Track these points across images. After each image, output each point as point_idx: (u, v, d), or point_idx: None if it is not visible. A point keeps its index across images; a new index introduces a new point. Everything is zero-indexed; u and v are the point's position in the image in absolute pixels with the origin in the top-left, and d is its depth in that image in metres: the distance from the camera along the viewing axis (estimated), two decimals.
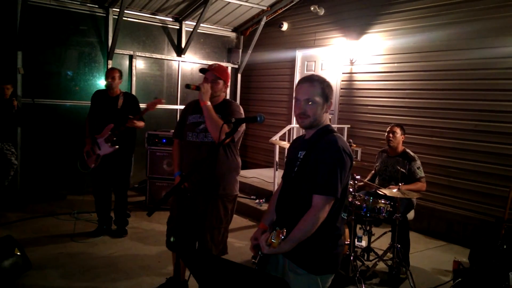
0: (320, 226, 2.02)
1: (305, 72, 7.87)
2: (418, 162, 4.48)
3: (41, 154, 6.73)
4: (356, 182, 4.14)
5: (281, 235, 1.87)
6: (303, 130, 2.28)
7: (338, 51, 7.21)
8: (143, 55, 7.71)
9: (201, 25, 7.92)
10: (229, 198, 3.31)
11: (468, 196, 5.45)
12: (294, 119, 7.20)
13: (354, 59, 6.94)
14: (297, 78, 7.99)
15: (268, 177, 7.17)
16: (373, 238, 4.44)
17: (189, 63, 8.39)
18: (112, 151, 4.71)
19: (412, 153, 4.55)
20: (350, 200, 4.11)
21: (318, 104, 2.14)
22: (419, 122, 5.97)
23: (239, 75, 9.06)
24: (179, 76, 8.25)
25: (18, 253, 3.79)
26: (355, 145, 4.87)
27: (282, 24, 8.17)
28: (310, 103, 2.13)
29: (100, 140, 4.73)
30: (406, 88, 6.18)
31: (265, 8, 8.10)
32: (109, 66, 7.10)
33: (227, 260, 1.62)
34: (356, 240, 4.46)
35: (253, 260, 2.05)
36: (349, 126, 6.95)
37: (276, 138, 6.80)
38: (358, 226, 4.45)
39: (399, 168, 4.28)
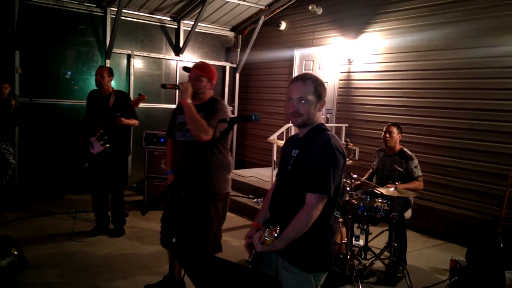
0: (313, 224, 2.02)
1: (303, 71, 7.87)
2: (416, 161, 4.48)
3: (39, 153, 6.73)
4: (353, 181, 4.14)
5: (274, 233, 1.87)
6: (297, 129, 2.29)
7: (336, 51, 7.22)
8: (141, 55, 7.71)
9: (199, 24, 7.92)
10: (219, 197, 3.30)
11: (466, 195, 5.46)
12: None
13: (352, 59, 6.94)
14: None
15: (266, 176, 7.18)
16: (370, 237, 4.44)
17: (187, 63, 8.38)
18: (103, 150, 4.69)
19: (409, 152, 4.55)
20: (347, 199, 4.11)
21: (311, 103, 2.15)
22: (416, 121, 5.97)
23: (237, 75, 9.06)
24: (177, 75, 8.25)
25: (15, 253, 3.79)
26: (352, 144, 4.87)
27: (280, 23, 8.17)
28: (303, 101, 2.14)
29: (93, 139, 4.73)
30: (403, 87, 6.19)
31: (263, 7, 8.10)
32: (107, 66, 7.09)
33: (220, 259, 1.62)
34: (353, 239, 4.46)
35: (247, 259, 2.05)
36: (347, 125, 6.95)
37: (274, 137, 6.82)
38: (356, 225, 4.46)
39: (396, 167, 4.28)
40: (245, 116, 2.22)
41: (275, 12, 8.26)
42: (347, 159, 4.53)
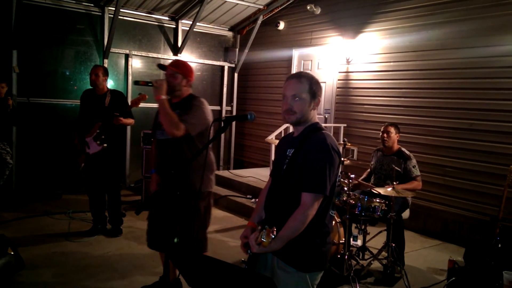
0: (308, 223, 2.01)
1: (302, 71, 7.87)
2: (414, 161, 4.48)
3: (37, 153, 6.71)
4: (351, 181, 4.13)
5: (271, 234, 1.85)
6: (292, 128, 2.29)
7: (334, 50, 7.21)
8: (139, 54, 7.69)
9: (197, 24, 7.91)
10: (200, 196, 3.25)
11: (464, 195, 5.45)
12: None
13: (351, 58, 6.93)
14: None
15: (265, 176, 7.17)
16: (368, 237, 4.43)
17: None
18: (100, 150, 4.67)
19: (407, 152, 4.54)
20: (345, 199, 4.10)
21: (305, 101, 2.14)
22: (414, 121, 5.97)
23: (235, 74, 9.05)
24: None
25: (11, 253, 3.77)
26: (350, 144, 4.86)
27: (279, 23, 8.16)
28: (296, 99, 2.13)
29: (89, 139, 4.70)
30: (402, 87, 6.18)
31: (261, 7, 8.09)
32: (105, 65, 7.08)
33: (215, 259, 1.61)
34: (351, 239, 4.45)
35: (242, 259, 2.04)
36: (345, 125, 6.94)
37: (272, 137, 6.82)
38: (353, 225, 4.45)
39: (394, 167, 4.27)
40: (241, 115, 2.21)
41: (274, 12, 8.25)
42: (346, 159, 4.56)
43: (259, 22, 8.35)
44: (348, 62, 6.98)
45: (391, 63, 6.33)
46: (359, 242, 4.56)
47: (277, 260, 2.12)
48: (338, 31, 7.15)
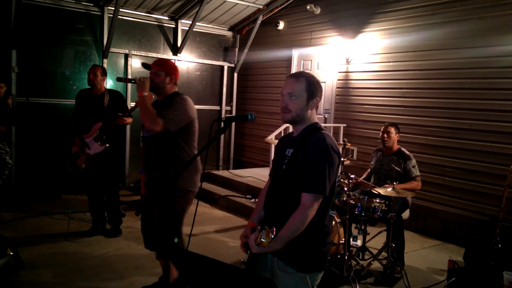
0: (308, 224, 2.01)
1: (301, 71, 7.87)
2: (414, 161, 4.47)
3: (36, 153, 6.70)
4: (351, 181, 4.13)
5: (271, 234, 1.85)
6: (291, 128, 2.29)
7: (334, 50, 7.20)
8: (139, 54, 7.68)
9: (197, 24, 7.90)
10: (178, 193, 3.19)
11: (463, 195, 5.45)
12: None
13: (350, 58, 6.93)
14: None
15: (264, 176, 7.16)
16: (368, 237, 4.43)
17: (185, 62, 8.37)
18: (102, 150, 4.67)
19: (407, 152, 4.54)
20: (345, 199, 4.10)
21: (300, 100, 2.14)
22: (414, 121, 5.96)
23: (235, 74, 9.04)
24: None
25: (11, 253, 3.76)
26: (350, 144, 4.86)
27: (279, 23, 8.15)
28: (292, 97, 2.14)
29: (89, 140, 4.67)
30: (402, 87, 6.18)
31: (261, 7, 8.08)
32: (105, 65, 7.07)
33: (216, 261, 1.60)
34: (351, 239, 4.45)
35: (242, 260, 2.04)
36: (345, 125, 6.94)
37: (272, 137, 6.81)
38: (353, 225, 4.44)
39: (394, 167, 4.27)
40: (241, 115, 2.21)
41: (273, 12, 8.24)
42: (345, 159, 4.55)
43: (258, 22, 8.34)
44: (348, 62, 6.98)
45: (391, 63, 6.32)
46: (359, 242, 4.56)
47: (277, 261, 2.12)
48: (338, 31, 7.14)
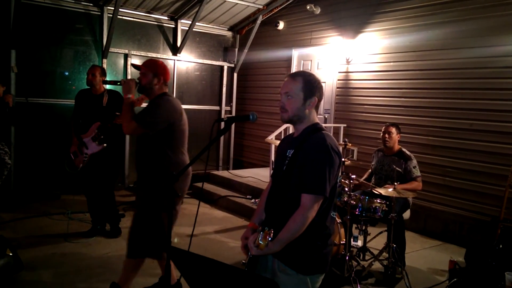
0: (309, 225, 2.00)
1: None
2: (414, 161, 4.46)
3: (35, 153, 6.68)
4: (351, 181, 4.11)
5: (268, 237, 1.84)
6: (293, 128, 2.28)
7: (334, 50, 7.19)
8: (138, 54, 7.66)
9: (196, 23, 7.88)
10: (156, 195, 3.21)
11: (464, 195, 5.44)
12: None
13: (350, 58, 6.92)
14: None
15: (264, 176, 7.15)
16: (368, 238, 4.41)
17: (185, 62, 8.35)
18: (100, 150, 4.65)
19: (408, 152, 4.53)
20: (345, 199, 4.09)
21: (296, 99, 2.13)
22: (415, 121, 5.95)
23: (235, 74, 9.03)
24: (175, 75, 8.21)
25: (10, 254, 3.74)
26: (350, 145, 4.84)
27: (278, 23, 8.14)
28: (289, 97, 2.14)
29: (87, 139, 4.66)
30: (402, 87, 6.17)
31: (261, 7, 8.07)
32: (104, 65, 7.05)
33: (218, 262, 1.58)
34: (351, 239, 4.44)
35: (243, 261, 2.02)
36: (345, 125, 6.93)
37: (272, 137, 6.80)
38: (354, 225, 4.43)
39: (395, 167, 4.26)
40: (243, 115, 2.19)
41: (273, 12, 8.23)
42: (346, 160, 4.53)
43: (258, 22, 8.33)
44: (348, 62, 6.97)
45: (391, 63, 6.31)
46: (360, 243, 4.55)
47: (277, 262, 2.10)
48: (338, 31, 7.13)
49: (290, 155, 2.14)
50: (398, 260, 4.09)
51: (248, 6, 7.96)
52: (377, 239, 4.60)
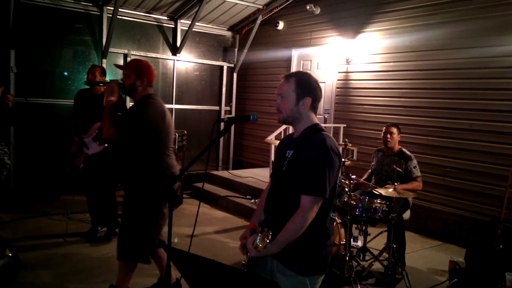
0: (308, 226, 1.99)
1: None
2: (415, 161, 4.46)
3: (35, 153, 6.67)
4: (351, 181, 4.11)
5: (266, 239, 1.83)
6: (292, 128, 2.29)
7: (334, 50, 7.19)
8: (138, 54, 7.65)
9: (196, 23, 7.87)
10: (146, 199, 3.16)
11: (464, 195, 5.44)
12: None
13: (350, 58, 6.91)
14: None
15: (264, 176, 7.14)
16: (368, 238, 4.41)
17: (184, 62, 8.35)
18: (101, 150, 4.63)
19: (408, 152, 4.53)
20: (345, 200, 4.08)
21: (289, 100, 2.14)
22: (415, 121, 5.95)
23: (234, 74, 9.02)
24: (174, 75, 8.20)
25: (9, 254, 3.73)
26: (350, 145, 4.84)
27: (278, 23, 8.13)
28: (282, 98, 2.16)
29: (88, 140, 4.64)
30: (402, 87, 6.16)
31: (260, 7, 8.06)
32: (104, 65, 7.04)
33: (219, 263, 1.58)
34: (351, 240, 4.43)
35: (242, 262, 2.02)
36: (345, 125, 6.92)
37: (271, 137, 6.79)
38: (354, 226, 4.42)
39: (395, 167, 4.25)
40: (243, 116, 2.19)
41: (273, 12, 8.22)
42: (346, 160, 4.53)
43: (258, 22, 8.32)
44: (347, 62, 6.96)
45: (391, 63, 6.31)
46: (360, 243, 4.54)
47: (276, 263, 2.10)
48: (337, 31, 7.12)
49: (289, 156, 2.13)
50: (398, 260, 4.09)
51: (248, 6, 7.95)
52: (377, 239, 4.60)
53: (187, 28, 7.91)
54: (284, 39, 8.21)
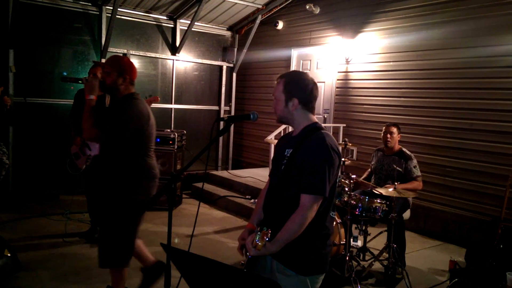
0: (308, 225, 1.98)
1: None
2: (415, 161, 4.45)
3: (33, 153, 6.65)
4: (352, 181, 4.10)
5: (265, 237, 1.81)
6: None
7: (333, 50, 7.18)
8: (137, 54, 7.64)
9: (195, 23, 7.86)
10: (127, 202, 3.07)
11: (464, 195, 5.43)
12: None
13: (350, 58, 6.90)
14: None
15: (263, 176, 7.13)
16: (368, 238, 4.40)
17: (184, 62, 8.33)
18: None
19: (408, 152, 4.52)
20: (345, 199, 4.07)
21: (279, 101, 2.16)
22: (414, 121, 5.94)
23: (234, 74, 9.01)
24: (174, 75, 8.19)
25: (8, 254, 3.72)
26: (351, 144, 4.83)
27: (278, 22, 8.12)
28: (275, 99, 2.19)
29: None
30: (401, 87, 6.16)
31: (260, 6, 8.05)
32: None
33: (220, 263, 1.56)
34: (351, 240, 4.42)
35: (242, 262, 2.00)
36: (344, 125, 6.91)
37: (271, 137, 6.79)
38: (354, 225, 4.41)
39: (395, 167, 4.24)
40: (243, 115, 2.18)
41: (272, 12, 8.21)
42: (346, 159, 4.52)
43: (257, 21, 8.31)
44: (347, 62, 6.95)
45: (391, 63, 6.30)
46: (360, 243, 4.53)
47: (276, 263, 2.09)
48: (337, 31, 7.12)
49: (288, 155, 2.12)
50: (398, 260, 4.07)
51: (247, 5, 7.94)
52: (377, 239, 4.59)
53: (186, 28, 7.89)
54: (283, 38, 8.20)
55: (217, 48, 8.80)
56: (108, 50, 7.12)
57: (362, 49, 6.70)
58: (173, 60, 8.14)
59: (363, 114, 6.70)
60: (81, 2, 6.94)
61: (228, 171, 8.25)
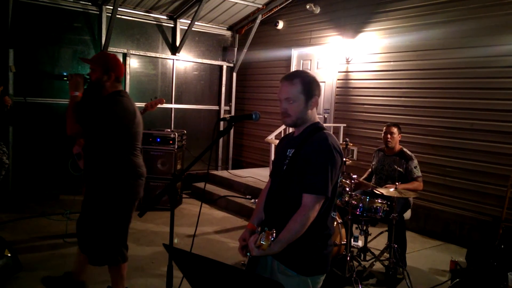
0: (309, 225, 1.97)
1: None
2: (415, 161, 4.44)
3: (33, 153, 6.64)
4: (353, 181, 4.09)
5: (270, 237, 1.80)
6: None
7: (334, 50, 7.17)
8: (137, 54, 7.63)
9: (195, 23, 7.85)
10: (114, 202, 3.08)
11: (465, 195, 5.43)
12: None
13: (350, 58, 6.90)
14: None
15: (264, 176, 7.13)
16: (369, 238, 4.39)
17: (184, 62, 8.33)
18: None
19: (409, 152, 4.51)
20: (346, 199, 4.07)
21: (299, 102, 2.10)
22: (415, 121, 5.94)
23: (234, 74, 9.00)
24: (174, 74, 8.18)
25: (8, 254, 3.71)
26: (351, 144, 4.83)
27: (278, 22, 8.11)
28: (290, 102, 2.11)
29: None
30: (402, 86, 6.15)
31: (260, 6, 8.05)
32: None
33: (223, 264, 1.56)
34: (352, 240, 4.42)
35: (242, 262, 1.99)
36: (345, 125, 6.91)
37: (272, 137, 6.78)
38: (355, 226, 4.41)
39: (396, 167, 4.24)
40: (245, 115, 2.17)
41: (273, 11, 8.20)
42: (346, 159, 4.51)
43: (258, 21, 8.31)
44: (347, 61, 6.95)
45: (391, 63, 6.30)
46: (360, 243, 4.53)
47: (277, 264, 2.08)
48: (337, 31, 7.11)
49: (290, 155, 2.11)
50: (399, 260, 4.07)
51: (248, 5, 7.93)
52: (378, 239, 4.59)
53: (186, 28, 7.89)
54: (283, 38, 8.20)
55: (217, 48, 8.80)
56: (108, 50, 7.11)
57: (363, 49, 6.69)
58: (173, 59, 8.14)
59: (364, 114, 6.70)
60: (81, 2, 6.93)
61: (229, 171, 8.24)
